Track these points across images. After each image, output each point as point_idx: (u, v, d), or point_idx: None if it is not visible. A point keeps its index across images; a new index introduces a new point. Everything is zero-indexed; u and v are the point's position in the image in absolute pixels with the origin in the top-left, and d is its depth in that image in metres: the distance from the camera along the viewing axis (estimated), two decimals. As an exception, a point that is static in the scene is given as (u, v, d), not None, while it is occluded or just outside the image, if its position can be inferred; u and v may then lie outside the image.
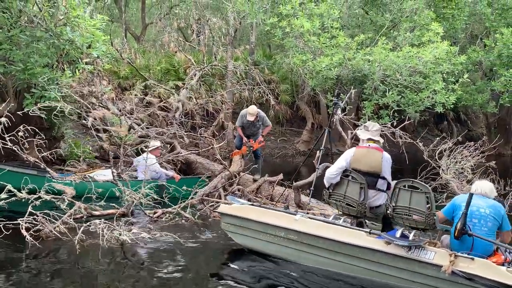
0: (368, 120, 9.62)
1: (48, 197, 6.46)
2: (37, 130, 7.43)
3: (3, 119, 6.57)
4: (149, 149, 8.94)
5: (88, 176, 7.87)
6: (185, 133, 10.82)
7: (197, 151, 10.97)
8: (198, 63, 14.96)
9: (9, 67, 8.36)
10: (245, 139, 9.76)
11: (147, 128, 10.31)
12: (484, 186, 5.21)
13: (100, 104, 10.30)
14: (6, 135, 6.52)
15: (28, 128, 6.83)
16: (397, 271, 5.14)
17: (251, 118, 9.57)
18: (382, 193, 5.84)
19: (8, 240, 5.93)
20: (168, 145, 10.82)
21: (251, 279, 5.46)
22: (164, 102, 12.00)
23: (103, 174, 8.54)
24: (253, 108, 9.70)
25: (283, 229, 5.82)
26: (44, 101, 7.92)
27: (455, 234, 4.97)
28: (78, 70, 9.14)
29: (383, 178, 5.81)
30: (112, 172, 7.63)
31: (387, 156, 5.88)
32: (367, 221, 5.99)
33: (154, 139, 9.59)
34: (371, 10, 15.58)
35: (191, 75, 13.64)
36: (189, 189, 8.35)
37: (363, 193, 5.69)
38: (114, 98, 12.37)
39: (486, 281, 4.65)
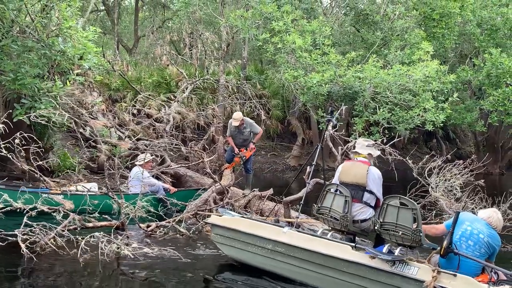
0: (359, 136, 9.65)
1: (45, 208, 6.38)
2: (25, 140, 7.34)
3: (0, 126, 6.52)
4: (143, 162, 8.90)
5: (80, 186, 7.79)
6: (176, 146, 10.77)
7: (187, 165, 10.94)
8: (190, 76, 14.99)
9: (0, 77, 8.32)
10: (236, 149, 9.75)
11: (138, 140, 10.26)
12: (494, 217, 5.22)
13: (90, 116, 10.26)
14: (1, 142, 6.46)
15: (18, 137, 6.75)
16: (380, 285, 5.13)
17: (235, 124, 9.60)
18: (368, 208, 5.83)
19: (3, 253, 5.86)
20: (158, 158, 10.78)
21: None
22: (149, 114, 11.98)
23: (93, 187, 8.43)
24: (237, 114, 9.76)
25: (271, 241, 5.82)
26: (34, 112, 7.86)
27: (441, 252, 4.98)
28: (69, 81, 9.11)
29: (370, 192, 5.82)
30: (106, 185, 7.54)
31: (374, 170, 5.89)
32: (357, 238, 5.99)
33: (145, 152, 9.52)
34: (362, 28, 15.76)
35: (182, 88, 13.66)
36: (185, 203, 8.32)
37: (347, 206, 5.72)
38: (105, 110, 12.34)
39: None
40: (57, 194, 7.60)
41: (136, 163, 9.05)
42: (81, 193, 7.72)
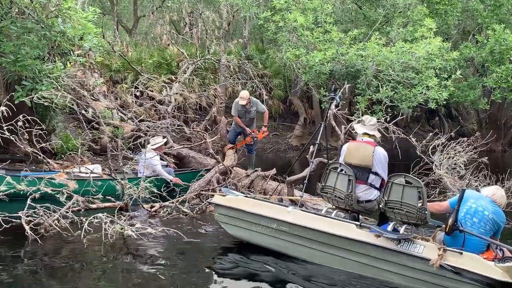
0: (362, 115, 9.60)
1: (48, 190, 6.40)
2: (27, 122, 7.31)
3: (3, 108, 6.49)
4: (155, 147, 8.92)
5: (84, 168, 7.80)
6: (179, 127, 10.72)
7: (189, 146, 10.93)
8: (191, 56, 14.87)
9: (0, 59, 8.25)
10: (248, 130, 9.81)
11: (140, 122, 10.23)
12: (498, 194, 5.23)
13: (92, 97, 10.21)
14: (4, 125, 6.44)
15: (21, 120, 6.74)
16: (386, 264, 5.15)
17: (242, 102, 9.65)
18: (373, 189, 5.81)
19: (8, 236, 5.88)
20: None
21: (248, 273, 5.45)
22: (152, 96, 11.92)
23: (96, 169, 8.43)
24: (244, 92, 9.86)
25: (275, 221, 5.84)
26: (35, 94, 7.81)
27: (446, 230, 4.99)
28: (70, 62, 9.04)
29: (376, 173, 5.79)
30: (109, 166, 7.53)
31: (380, 150, 5.85)
32: (361, 216, 5.99)
33: (155, 135, 9.48)
34: (364, 5, 15.56)
35: (183, 69, 13.56)
36: (188, 184, 8.33)
37: (350, 185, 5.71)
38: (106, 91, 12.28)
39: (473, 275, 4.64)
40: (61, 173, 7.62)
41: (149, 147, 8.91)
42: (84, 175, 7.73)
